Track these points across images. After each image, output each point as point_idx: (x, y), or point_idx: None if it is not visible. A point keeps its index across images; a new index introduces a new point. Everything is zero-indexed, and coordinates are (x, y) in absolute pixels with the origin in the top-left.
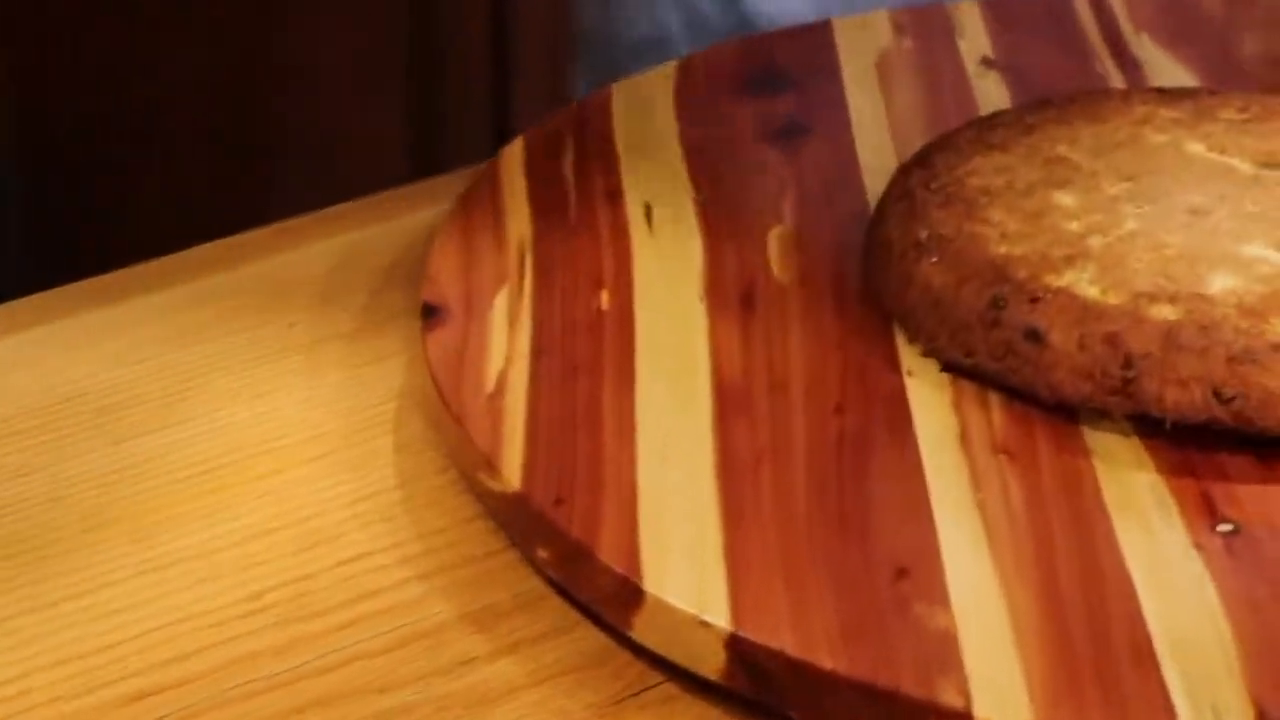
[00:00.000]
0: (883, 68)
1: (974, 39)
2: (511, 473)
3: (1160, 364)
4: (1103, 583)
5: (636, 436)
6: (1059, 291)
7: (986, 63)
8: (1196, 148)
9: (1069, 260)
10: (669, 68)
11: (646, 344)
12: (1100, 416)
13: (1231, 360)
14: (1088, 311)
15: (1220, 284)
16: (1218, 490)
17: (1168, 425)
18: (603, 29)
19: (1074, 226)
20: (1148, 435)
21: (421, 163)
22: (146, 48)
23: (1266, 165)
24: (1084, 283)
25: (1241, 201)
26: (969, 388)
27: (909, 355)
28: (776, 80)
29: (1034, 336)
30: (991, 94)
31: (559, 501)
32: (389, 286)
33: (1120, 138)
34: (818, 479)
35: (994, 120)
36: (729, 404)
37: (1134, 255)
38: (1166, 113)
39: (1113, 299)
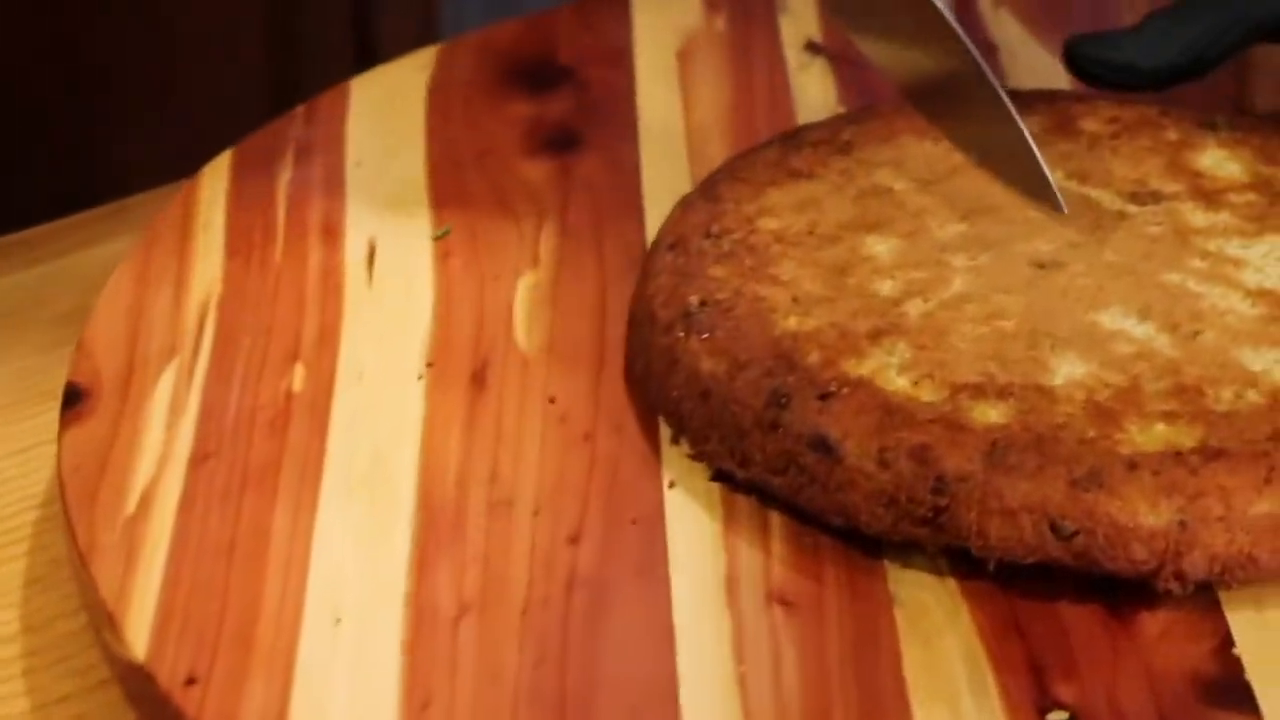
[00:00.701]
0: (686, 57)
1: (800, 18)
2: (136, 636)
3: (982, 488)
4: None
5: (308, 584)
6: (857, 384)
7: (812, 49)
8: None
9: (875, 337)
10: (425, 55)
11: (341, 444)
12: (909, 549)
13: (1074, 484)
14: (892, 414)
15: (1066, 371)
16: (1052, 656)
17: (991, 566)
18: None
19: (886, 288)
20: (967, 576)
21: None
22: None
23: (1135, 198)
24: (891, 370)
25: (1101, 249)
26: (745, 506)
27: (673, 458)
28: (554, 72)
29: (822, 447)
30: (812, 93)
31: (190, 681)
32: (55, 345)
33: (957, 160)
34: (535, 646)
35: (803, 136)
36: (434, 533)
37: (959, 329)
38: None
39: (926, 394)
